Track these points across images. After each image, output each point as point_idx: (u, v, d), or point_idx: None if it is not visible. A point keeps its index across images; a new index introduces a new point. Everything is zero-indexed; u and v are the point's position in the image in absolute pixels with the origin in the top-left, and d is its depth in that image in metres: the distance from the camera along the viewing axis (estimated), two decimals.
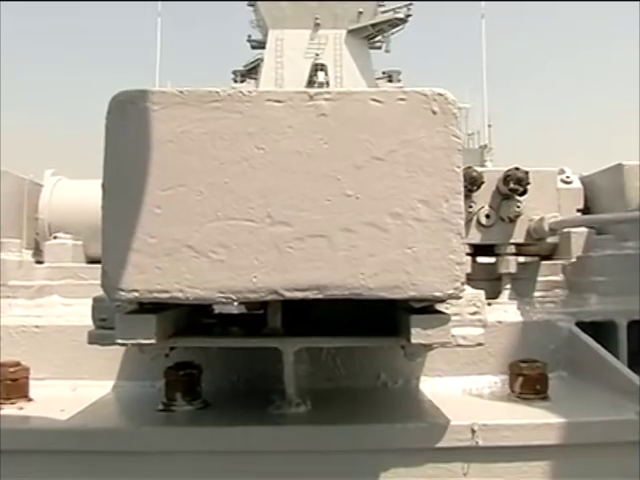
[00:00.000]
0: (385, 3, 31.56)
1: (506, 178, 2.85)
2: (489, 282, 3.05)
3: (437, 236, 1.70)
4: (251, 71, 33.58)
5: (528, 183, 2.82)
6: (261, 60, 31.29)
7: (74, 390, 2.60)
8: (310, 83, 26.92)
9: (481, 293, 2.03)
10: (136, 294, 1.69)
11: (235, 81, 33.42)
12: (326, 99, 1.70)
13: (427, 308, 1.81)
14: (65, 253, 3.47)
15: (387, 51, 32.62)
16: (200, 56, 75.97)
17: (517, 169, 2.83)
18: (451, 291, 1.70)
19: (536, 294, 3.10)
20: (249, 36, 34.93)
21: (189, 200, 1.68)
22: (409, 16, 31.53)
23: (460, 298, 1.76)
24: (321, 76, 25.76)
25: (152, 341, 1.75)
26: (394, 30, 31.96)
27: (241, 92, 1.69)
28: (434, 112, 1.71)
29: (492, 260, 3.18)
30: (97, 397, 2.50)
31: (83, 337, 2.07)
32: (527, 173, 2.83)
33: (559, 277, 3.13)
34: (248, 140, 1.68)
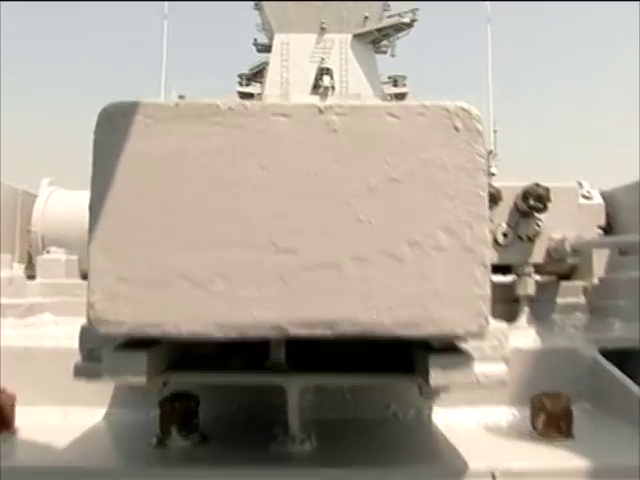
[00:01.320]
0: (391, 7, 31.53)
1: (525, 195, 2.68)
2: (505, 304, 2.89)
3: (459, 267, 1.53)
4: (257, 75, 33.56)
5: (549, 200, 2.65)
6: (267, 64, 31.30)
7: (64, 417, 2.43)
8: (316, 87, 26.90)
9: (504, 326, 1.85)
10: (125, 328, 1.52)
11: (241, 84, 33.43)
12: (337, 114, 1.53)
13: (446, 345, 1.64)
14: (58, 269, 3.32)
15: (392, 55, 32.65)
16: (206, 59, 76.03)
17: (537, 185, 2.66)
18: (474, 328, 1.53)
19: (555, 317, 2.92)
20: (255, 40, 34.97)
21: (185, 224, 1.51)
22: (414, 21, 31.52)
23: (484, 336, 1.58)
24: (327, 80, 25.70)
25: (142, 379, 1.59)
26: (400, 34, 31.95)
27: (244, 105, 1.53)
28: (457, 129, 1.55)
29: (508, 279, 3.02)
30: (88, 426, 2.33)
31: (76, 360, 1.90)
32: (548, 190, 2.66)
33: (580, 300, 2.96)
34: (251, 159, 1.51)
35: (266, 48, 33.05)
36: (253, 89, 32.52)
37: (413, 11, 31.49)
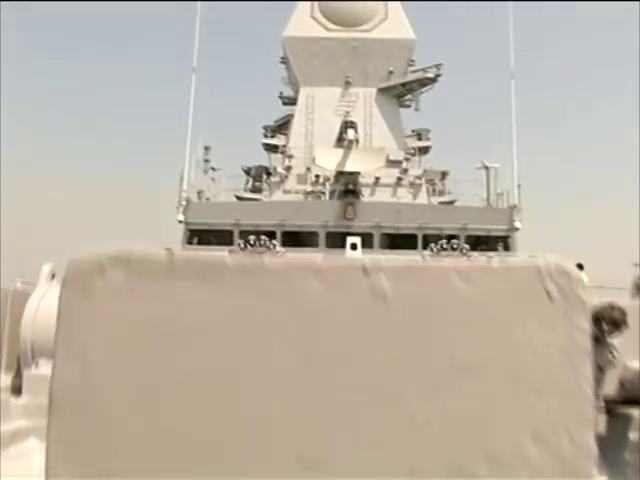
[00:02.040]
0: (415, 62, 31.70)
1: (597, 317, 2.26)
2: None
3: None
4: (281, 127, 33.83)
5: (625, 325, 2.23)
6: (291, 116, 31.56)
7: None
8: (340, 140, 26.84)
9: None
10: None
11: (265, 136, 33.67)
12: (389, 276, 1.13)
13: None
14: (47, 387, 2.89)
15: (417, 109, 32.73)
16: (232, 110, 77.11)
17: (612, 308, 2.24)
18: None
19: (627, 457, 2.45)
20: (281, 92, 35.40)
21: (177, 427, 1.10)
22: (439, 76, 31.62)
23: None
24: (351, 133, 25.67)
25: None
26: (424, 89, 32.02)
27: (260, 262, 1.13)
28: (551, 296, 1.13)
29: None
30: None
31: None
32: (624, 313, 2.23)
33: None
34: (270, 335, 1.11)
35: (291, 101, 33.35)
36: (278, 141, 32.67)
37: (437, 66, 31.59)
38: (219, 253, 1.13)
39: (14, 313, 3.00)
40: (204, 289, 1.13)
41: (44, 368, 2.81)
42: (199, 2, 28.71)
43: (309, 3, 30.93)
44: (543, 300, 1.15)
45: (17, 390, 2.80)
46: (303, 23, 30.50)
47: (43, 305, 3.14)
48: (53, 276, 4.18)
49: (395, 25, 30.52)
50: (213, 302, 1.12)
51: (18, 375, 2.99)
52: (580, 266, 18.40)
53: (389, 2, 31.02)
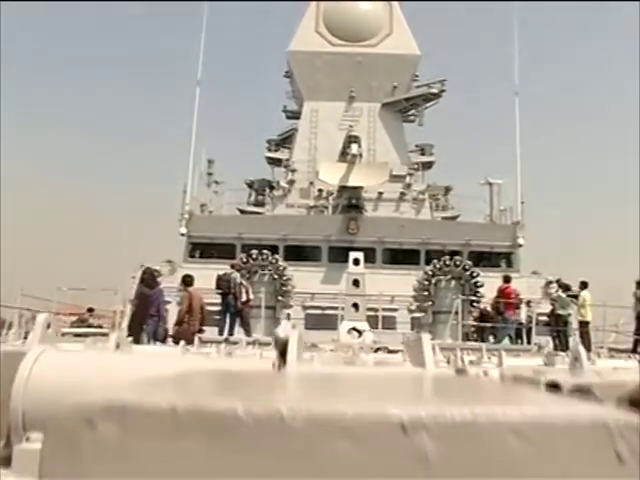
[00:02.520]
0: (420, 77, 31.62)
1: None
2: None
3: None
4: (285, 140, 33.74)
5: None
6: (295, 130, 31.50)
7: None
8: (343, 154, 26.74)
9: None
10: None
11: (269, 149, 33.59)
12: (431, 434, 0.95)
13: None
14: (36, 464, 2.66)
15: (420, 125, 32.57)
16: (235, 124, 77.11)
17: None
18: None
19: None
20: (284, 106, 35.32)
21: None
22: (443, 91, 31.53)
23: None
24: (354, 148, 25.59)
25: None
26: (428, 105, 31.90)
27: (279, 415, 0.96)
28: (621, 458, 0.96)
29: None
30: None
31: None
32: None
33: None
34: None
35: (295, 115, 33.26)
36: (281, 154, 32.56)
37: (441, 82, 31.50)
38: (229, 406, 0.95)
39: (5, 375, 2.80)
40: (212, 447, 0.95)
41: (36, 443, 2.57)
42: (205, 15, 28.72)
43: (314, 18, 30.91)
44: (612, 462, 0.98)
45: (6, 461, 2.61)
46: (308, 37, 30.47)
47: (36, 370, 2.91)
48: (49, 326, 3.99)
49: (400, 40, 30.48)
50: (223, 463, 0.95)
51: (8, 444, 2.79)
52: (584, 284, 18.24)
53: (394, 18, 30.96)
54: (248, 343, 12.64)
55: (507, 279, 17.97)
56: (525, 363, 7.69)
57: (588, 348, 16.80)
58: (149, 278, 12.14)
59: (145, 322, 11.59)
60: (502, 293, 17.25)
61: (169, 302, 19.17)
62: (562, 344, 17.15)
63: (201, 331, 12.66)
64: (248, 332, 15.41)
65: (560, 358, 7.29)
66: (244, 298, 15.66)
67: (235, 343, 12.76)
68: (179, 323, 12.47)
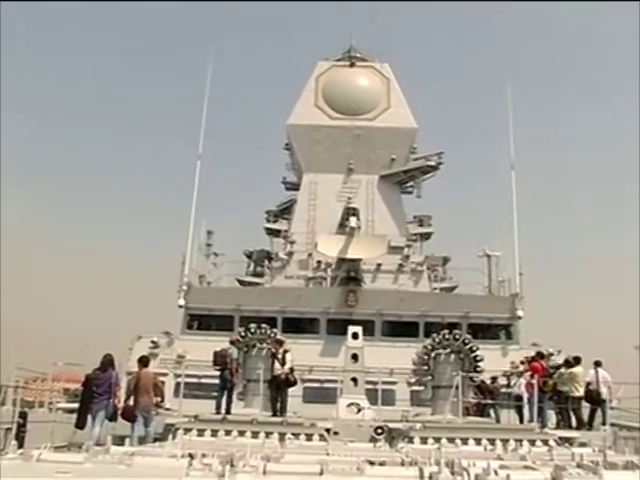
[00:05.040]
0: (417, 150, 32.24)
1: None
2: None
3: None
4: (284, 211, 34.16)
5: None
6: (294, 201, 31.94)
7: None
8: (342, 226, 26.98)
9: None
10: None
11: (268, 220, 33.95)
12: None
13: None
14: None
15: (418, 196, 33.05)
16: (235, 195, 78.16)
17: None
18: None
19: None
20: (284, 178, 35.92)
21: None
22: (440, 164, 32.15)
23: None
24: (353, 221, 25.81)
25: None
26: (425, 177, 32.44)
27: None
28: None
29: None
30: None
31: None
32: None
33: None
34: None
35: (294, 186, 33.77)
36: (280, 225, 32.84)
37: (439, 154, 32.12)
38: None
39: None
40: None
41: None
42: (207, 90, 29.48)
43: (313, 91, 31.81)
44: None
45: None
46: (307, 111, 31.30)
47: None
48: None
49: (397, 114, 31.30)
50: None
51: None
52: (577, 359, 18.04)
53: (392, 92, 31.83)
54: (246, 422, 12.47)
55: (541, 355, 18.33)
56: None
57: (580, 423, 16.59)
58: (106, 362, 13.76)
59: (92, 402, 13.18)
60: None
61: (166, 374, 19.05)
62: (564, 420, 16.93)
63: (159, 405, 14.43)
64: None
65: None
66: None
67: (234, 422, 12.60)
68: (126, 400, 14.08)
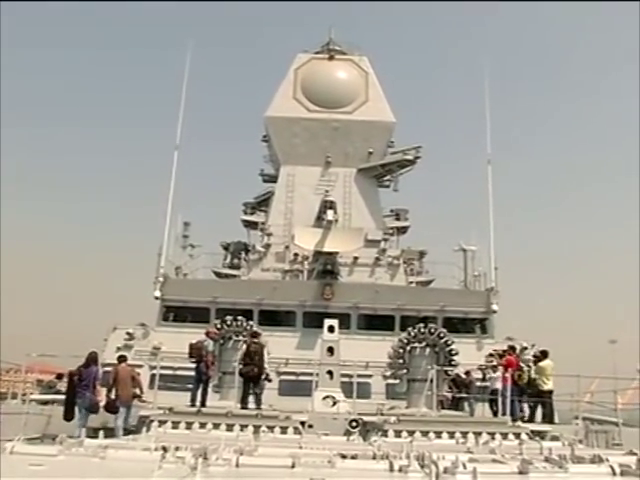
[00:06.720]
0: (395, 144, 32.31)
1: None
2: None
3: None
4: (261, 203, 34.04)
5: None
6: (272, 193, 31.84)
7: None
8: (319, 219, 27.00)
9: None
10: None
11: (245, 212, 33.81)
12: None
13: None
14: None
15: (395, 190, 33.14)
16: (212, 187, 77.83)
17: None
18: None
19: None
20: (261, 170, 35.72)
21: None
22: (418, 158, 32.24)
23: None
24: (330, 214, 25.91)
25: None
26: (403, 171, 32.54)
27: None
28: None
29: None
30: None
31: None
32: None
33: None
34: None
35: (272, 178, 33.67)
36: (257, 218, 32.75)
37: (416, 149, 32.20)
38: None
39: None
40: None
41: None
42: (185, 81, 29.23)
43: (292, 84, 31.69)
44: None
45: None
46: (285, 103, 31.18)
47: None
48: None
49: (375, 108, 31.30)
50: None
51: None
52: (544, 353, 18.30)
53: (370, 86, 31.84)
54: (221, 414, 12.47)
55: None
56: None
57: (550, 417, 16.88)
58: (90, 359, 14.72)
59: (77, 396, 14.19)
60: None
61: (141, 366, 18.97)
62: (533, 413, 17.25)
63: (138, 396, 15.16)
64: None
65: None
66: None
67: (209, 415, 12.59)
68: (107, 394, 14.82)
